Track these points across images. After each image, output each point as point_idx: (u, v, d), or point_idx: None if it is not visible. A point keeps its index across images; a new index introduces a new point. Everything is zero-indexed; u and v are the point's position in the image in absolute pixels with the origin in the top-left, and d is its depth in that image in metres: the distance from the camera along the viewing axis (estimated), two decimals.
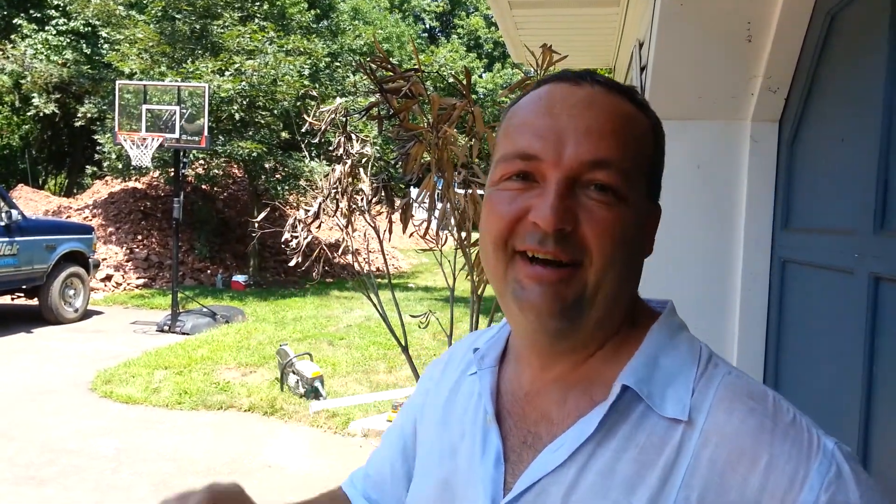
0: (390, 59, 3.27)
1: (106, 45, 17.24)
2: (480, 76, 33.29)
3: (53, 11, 19.68)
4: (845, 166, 1.97)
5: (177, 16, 15.39)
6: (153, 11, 15.69)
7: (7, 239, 9.71)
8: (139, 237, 15.97)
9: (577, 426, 0.77)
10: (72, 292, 11.12)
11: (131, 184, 17.60)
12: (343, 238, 4.05)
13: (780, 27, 2.30)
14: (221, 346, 9.26)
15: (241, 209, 18.40)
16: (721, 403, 0.73)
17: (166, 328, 10.42)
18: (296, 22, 17.44)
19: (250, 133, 14.72)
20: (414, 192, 3.66)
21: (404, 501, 1.00)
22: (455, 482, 0.87)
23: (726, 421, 0.72)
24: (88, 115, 16.25)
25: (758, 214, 2.53)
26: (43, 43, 18.93)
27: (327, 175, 3.97)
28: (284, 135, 15.26)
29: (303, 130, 4.37)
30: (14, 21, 19.46)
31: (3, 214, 9.72)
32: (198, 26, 15.23)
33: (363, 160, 3.95)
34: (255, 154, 14.25)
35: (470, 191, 3.39)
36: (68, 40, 19.48)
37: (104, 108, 15.73)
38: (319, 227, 3.93)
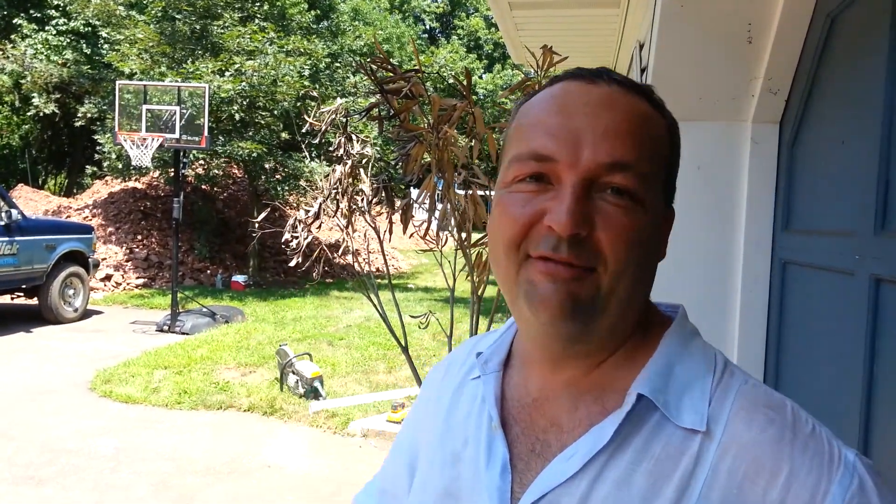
0: (390, 59, 3.27)
1: (106, 46, 17.25)
2: (480, 77, 33.30)
3: (53, 11, 19.70)
4: (846, 168, 1.97)
5: (177, 16, 15.39)
6: (153, 12, 15.70)
7: (7, 238, 9.71)
8: (139, 237, 15.97)
9: (590, 435, 0.74)
10: (71, 292, 11.13)
11: (131, 184, 17.60)
12: (343, 238, 4.05)
13: (780, 29, 2.30)
14: (221, 346, 9.26)
15: (241, 209, 18.40)
16: (739, 414, 0.71)
17: (166, 328, 10.42)
18: (296, 22, 17.43)
19: (250, 133, 14.72)
20: (414, 192, 3.66)
21: None
22: (458, 491, 0.84)
23: (745, 432, 0.70)
24: (88, 115, 16.25)
25: (758, 216, 2.53)
26: (43, 43, 18.94)
27: (327, 175, 3.97)
28: (284, 135, 15.26)
29: (303, 131, 4.37)
30: (14, 21, 19.48)
31: (3, 214, 9.72)
32: (198, 27, 15.23)
33: (363, 161, 3.95)
34: (255, 154, 14.26)
35: (470, 191, 3.39)
36: (68, 40, 19.49)
37: (104, 108, 15.74)
38: (320, 227, 3.93)
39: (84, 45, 19.57)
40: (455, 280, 3.83)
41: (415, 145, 3.21)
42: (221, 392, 7.30)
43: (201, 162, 15.50)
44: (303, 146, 13.03)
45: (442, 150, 3.18)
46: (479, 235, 3.60)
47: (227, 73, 14.00)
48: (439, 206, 3.41)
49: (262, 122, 14.81)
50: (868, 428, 1.75)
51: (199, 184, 16.94)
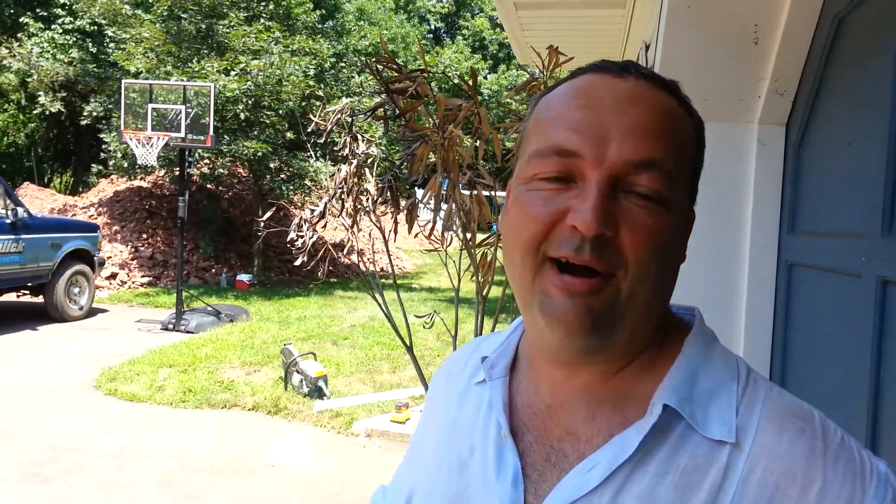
0: (395, 59, 3.26)
1: (112, 44, 17.29)
2: (485, 77, 33.28)
3: (60, 10, 19.75)
4: (852, 169, 1.97)
5: (183, 15, 15.42)
6: (159, 11, 15.73)
7: (13, 236, 9.74)
8: (144, 236, 16.00)
9: (612, 446, 0.71)
10: (77, 290, 11.15)
11: (137, 182, 17.66)
12: (348, 238, 4.05)
13: (787, 30, 2.30)
14: (225, 344, 9.27)
15: (246, 209, 18.43)
16: (769, 424, 0.69)
17: (171, 327, 10.44)
18: (301, 22, 17.45)
19: (255, 133, 14.74)
20: (419, 192, 3.66)
21: None
22: (467, 500, 0.80)
23: (775, 443, 0.67)
24: (94, 113, 16.30)
25: (764, 217, 2.53)
26: (49, 41, 18.99)
27: (333, 175, 3.98)
28: (289, 135, 15.28)
29: (308, 130, 4.37)
30: (21, 19, 19.54)
31: (9, 212, 9.74)
32: (203, 26, 15.26)
33: (369, 160, 3.95)
34: (260, 154, 14.28)
35: (475, 192, 3.39)
36: (74, 39, 19.54)
37: (110, 106, 15.77)
38: (325, 226, 3.94)
39: (90, 44, 19.62)
40: (460, 280, 3.82)
41: (420, 145, 3.21)
42: (226, 391, 7.31)
43: (206, 161, 15.54)
44: (308, 146, 13.04)
45: (447, 150, 3.17)
46: (484, 236, 3.60)
47: (232, 73, 14.02)
48: (444, 206, 3.41)
49: (268, 121, 14.83)
50: (875, 431, 1.74)
51: (204, 183, 16.97)
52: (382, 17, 33.60)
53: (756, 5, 2.31)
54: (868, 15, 1.94)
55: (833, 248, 2.06)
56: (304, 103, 14.93)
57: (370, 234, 4.40)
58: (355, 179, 3.84)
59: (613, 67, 0.74)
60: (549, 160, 0.71)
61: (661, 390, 0.72)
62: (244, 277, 14.91)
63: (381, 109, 3.31)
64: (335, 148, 4.01)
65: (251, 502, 4.92)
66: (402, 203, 3.64)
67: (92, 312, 11.55)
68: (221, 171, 15.50)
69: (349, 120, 3.93)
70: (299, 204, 17.46)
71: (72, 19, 19.52)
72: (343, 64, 18.25)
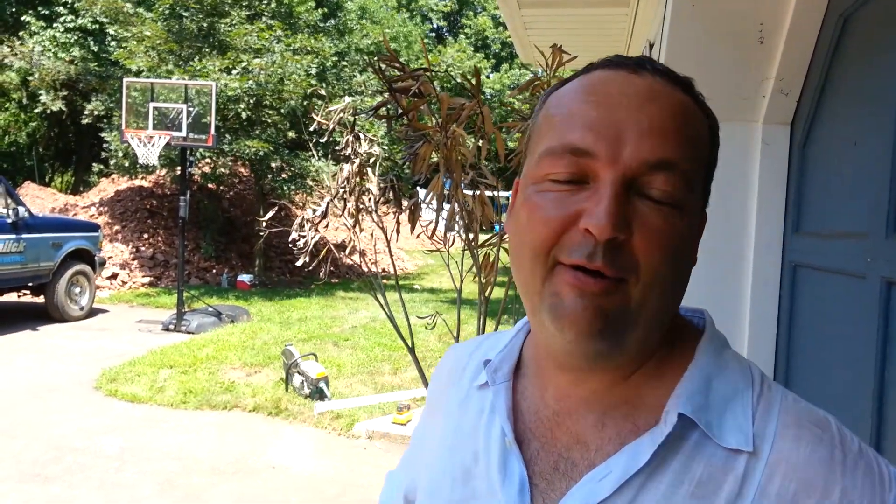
0: (398, 58, 3.25)
1: (113, 43, 17.27)
2: (488, 76, 33.33)
3: (61, 8, 19.76)
4: (857, 169, 1.95)
5: (184, 14, 15.41)
6: (161, 9, 15.71)
7: (14, 236, 9.73)
8: (145, 235, 16.00)
9: (624, 455, 0.69)
10: (77, 290, 11.14)
11: (138, 182, 17.66)
12: (350, 238, 4.04)
13: (792, 29, 2.29)
14: (226, 345, 9.26)
15: (247, 208, 18.43)
16: (787, 431, 0.67)
17: (171, 327, 10.44)
18: (303, 21, 17.44)
19: (257, 132, 14.74)
20: (422, 192, 3.65)
21: None
22: None
23: (794, 451, 0.66)
24: (95, 112, 16.29)
25: (769, 217, 2.51)
26: (51, 40, 19.01)
27: (335, 175, 3.97)
28: (291, 134, 15.27)
29: (310, 130, 4.37)
30: (22, 18, 19.56)
31: (10, 211, 9.74)
32: (205, 24, 15.26)
33: (371, 160, 3.94)
34: (261, 153, 14.27)
35: (478, 191, 3.38)
36: (76, 37, 19.55)
37: (111, 105, 15.77)
38: (327, 226, 3.93)
39: (92, 43, 19.63)
40: (462, 281, 3.81)
41: (423, 144, 3.20)
42: (227, 392, 7.30)
43: (208, 160, 15.54)
44: (310, 145, 13.03)
45: (450, 150, 3.16)
46: (487, 236, 3.59)
47: (234, 72, 14.02)
48: (447, 206, 3.40)
49: (269, 120, 14.83)
50: (880, 432, 1.73)
51: (205, 182, 16.97)
52: (384, 15, 33.59)
53: (761, 4, 2.30)
54: (874, 13, 1.93)
55: (838, 249, 2.05)
56: (305, 102, 14.92)
57: (372, 234, 4.39)
58: (357, 179, 3.83)
59: (629, 63, 0.71)
60: (562, 160, 0.68)
61: (674, 398, 0.70)
62: (245, 278, 14.91)
63: (384, 108, 3.30)
64: (337, 147, 4.00)
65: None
66: (405, 203, 3.63)
67: (92, 312, 11.55)
68: (223, 170, 15.50)
69: (351, 119, 3.93)
70: (301, 204, 17.46)
71: (73, 18, 19.54)
72: (345, 63, 18.26)
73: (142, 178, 17.19)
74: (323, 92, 12.73)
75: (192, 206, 12.21)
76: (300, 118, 14.40)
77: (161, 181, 17.90)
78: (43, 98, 18.63)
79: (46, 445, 5.72)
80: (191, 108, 11.02)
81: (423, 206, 3.54)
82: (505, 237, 3.31)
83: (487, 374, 0.83)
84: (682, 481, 0.67)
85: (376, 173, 4.00)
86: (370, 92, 16.35)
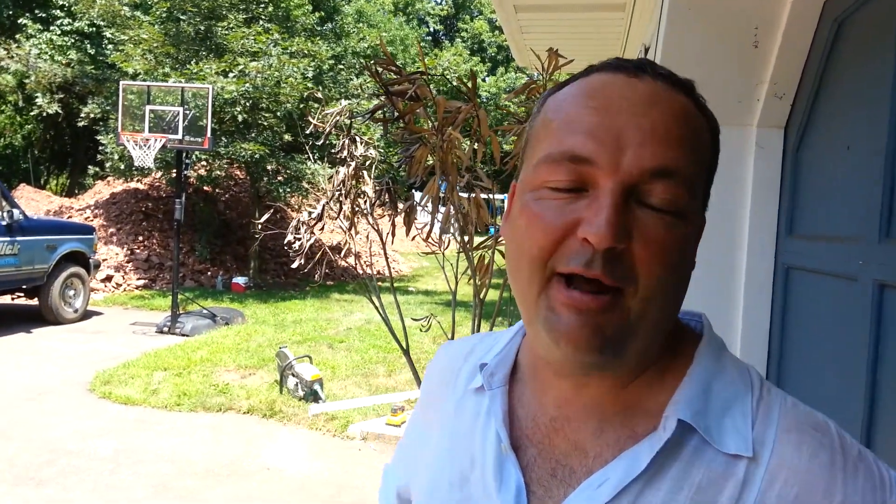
0: (394, 61, 3.26)
1: (110, 46, 17.27)
2: (484, 80, 33.39)
3: (58, 11, 19.75)
4: (851, 173, 1.97)
5: (181, 17, 15.41)
6: (158, 12, 15.72)
7: (8, 238, 9.71)
8: (140, 238, 15.97)
9: (622, 462, 0.68)
10: (72, 293, 11.12)
11: (133, 184, 17.63)
12: (345, 241, 4.05)
13: (786, 33, 2.30)
14: (221, 347, 9.25)
15: (243, 211, 18.41)
16: (787, 436, 0.67)
17: (166, 329, 10.41)
18: (300, 24, 17.45)
19: (253, 135, 14.72)
20: (417, 195, 3.66)
21: None
22: None
23: (794, 456, 0.65)
24: (91, 115, 16.29)
25: (762, 220, 2.53)
26: (47, 43, 18.99)
27: (330, 177, 3.97)
28: (287, 137, 15.27)
29: (306, 132, 4.37)
30: (19, 21, 19.53)
31: (5, 214, 9.72)
32: (202, 28, 15.26)
33: (367, 163, 3.95)
34: (257, 156, 14.26)
35: (473, 194, 3.39)
36: (73, 40, 19.54)
37: (107, 108, 15.76)
38: (322, 229, 3.93)
39: (88, 46, 19.62)
40: (457, 283, 3.82)
41: (418, 147, 3.20)
42: (221, 394, 7.29)
43: (203, 163, 15.52)
44: (305, 148, 13.02)
45: (445, 153, 3.17)
46: (482, 238, 3.59)
47: (230, 75, 14.01)
48: (442, 208, 3.40)
49: (265, 123, 14.81)
50: (871, 435, 1.74)
51: (200, 185, 16.95)
52: (381, 19, 33.67)
53: (756, 8, 2.32)
54: (868, 18, 1.94)
55: (831, 252, 2.06)
56: (302, 105, 14.92)
57: (367, 236, 4.39)
58: (353, 182, 3.84)
59: (629, 66, 0.70)
60: (561, 167, 0.67)
61: (673, 403, 0.69)
62: (240, 280, 14.90)
63: (380, 111, 3.30)
64: (333, 150, 4.00)
65: None
66: (400, 205, 3.63)
67: (87, 315, 11.53)
68: (218, 173, 15.49)
69: (347, 122, 3.93)
70: (296, 206, 17.46)
71: (70, 21, 19.52)
72: (342, 66, 18.25)
73: (137, 180, 17.15)
74: (319, 95, 12.76)
75: (187, 209, 12.18)
76: (296, 121, 14.39)
77: (156, 184, 17.88)
78: (39, 101, 18.60)
79: (40, 448, 5.71)
80: (187, 111, 11.01)
81: (419, 208, 3.55)
82: (500, 240, 3.32)
83: (483, 379, 0.82)
84: (681, 487, 0.66)
85: (372, 176, 4.01)
86: (366, 95, 16.36)
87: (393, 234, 3.81)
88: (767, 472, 0.65)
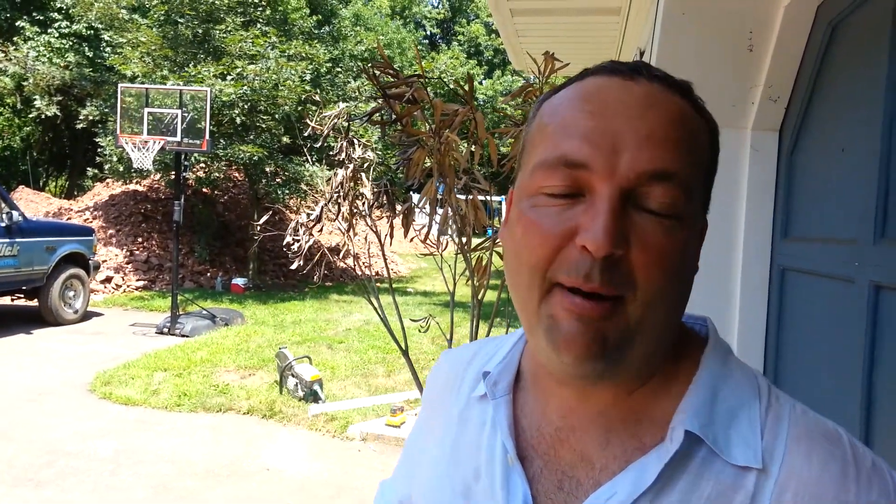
0: (392, 64, 3.28)
1: (108, 49, 17.29)
2: (480, 83, 33.39)
3: (56, 14, 19.73)
4: (845, 175, 1.98)
5: (179, 20, 15.40)
6: (156, 15, 15.71)
7: (7, 240, 9.71)
8: (139, 239, 15.97)
9: (630, 474, 0.67)
10: (72, 294, 11.12)
11: (132, 186, 17.63)
12: (344, 242, 4.06)
13: (781, 37, 2.31)
14: (220, 348, 9.25)
15: (241, 213, 18.41)
16: (797, 446, 0.65)
17: (166, 330, 10.42)
18: (298, 27, 17.46)
19: (251, 137, 14.72)
20: (415, 197, 3.67)
21: None
22: None
23: (805, 467, 0.64)
24: (90, 117, 16.29)
25: (757, 223, 2.53)
26: (45, 45, 18.97)
27: (329, 179, 3.99)
28: (285, 139, 15.27)
29: (305, 135, 4.38)
30: (17, 23, 19.51)
31: (4, 215, 9.72)
32: (200, 30, 15.25)
33: (365, 165, 3.96)
34: (255, 158, 14.26)
35: (471, 196, 3.40)
36: (71, 43, 19.52)
37: (106, 110, 15.76)
38: (321, 230, 3.94)
39: (86, 48, 19.60)
40: (455, 284, 3.83)
41: (416, 150, 3.22)
42: (221, 395, 7.30)
43: (202, 165, 15.51)
44: (304, 150, 13.03)
45: (443, 155, 3.19)
46: (480, 240, 3.61)
47: (228, 77, 14.01)
48: (440, 210, 3.42)
49: (264, 125, 14.81)
50: (868, 437, 1.74)
51: (199, 187, 16.95)
52: (378, 22, 33.66)
53: (751, 12, 2.33)
54: (861, 21, 1.96)
55: (826, 254, 2.07)
56: (300, 108, 14.93)
57: (366, 238, 4.41)
58: (351, 184, 3.85)
59: (624, 69, 0.69)
60: (556, 172, 0.66)
61: (680, 413, 0.68)
62: (239, 281, 14.90)
63: (378, 114, 3.32)
64: (331, 152, 4.02)
65: None
66: (398, 207, 3.65)
67: (87, 316, 11.53)
68: (217, 175, 15.48)
69: (345, 124, 3.94)
70: (295, 208, 17.45)
71: (68, 23, 19.51)
72: (339, 69, 18.26)
73: (136, 182, 17.16)
74: (317, 98, 12.77)
75: (186, 211, 12.18)
76: (294, 123, 14.39)
77: (155, 185, 17.88)
78: (37, 103, 18.58)
79: (40, 449, 5.71)
80: (185, 114, 11.02)
81: (417, 210, 3.56)
82: (498, 241, 3.33)
83: (486, 388, 0.81)
84: (689, 501, 0.65)
85: (370, 178, 4.02)
86: (364, 98, 16.36)
87: (391, 236, 3.83)
88: (777, 483, 0.64)
